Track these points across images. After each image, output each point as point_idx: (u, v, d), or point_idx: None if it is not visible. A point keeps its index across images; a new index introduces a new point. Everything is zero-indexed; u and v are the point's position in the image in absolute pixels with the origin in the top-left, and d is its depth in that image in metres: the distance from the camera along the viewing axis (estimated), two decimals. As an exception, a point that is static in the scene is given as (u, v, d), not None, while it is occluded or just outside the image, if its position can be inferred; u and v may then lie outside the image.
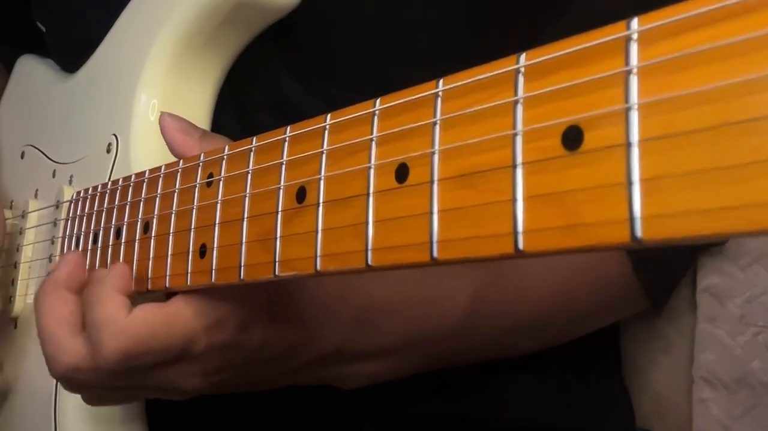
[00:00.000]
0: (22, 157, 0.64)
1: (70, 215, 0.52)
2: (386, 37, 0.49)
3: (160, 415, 0.52)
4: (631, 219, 0.20)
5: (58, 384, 0.52)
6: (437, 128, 0.26)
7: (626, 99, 0.20)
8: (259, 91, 0.52)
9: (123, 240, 0.44)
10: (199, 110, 0.50)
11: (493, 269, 0.46)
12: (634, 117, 0.20)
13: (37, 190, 0.61)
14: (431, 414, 0.53)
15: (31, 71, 0.68)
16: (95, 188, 0.49)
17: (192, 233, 0.38)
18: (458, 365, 0.50)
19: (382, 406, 0.52)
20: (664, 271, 0.53)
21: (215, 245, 0.36)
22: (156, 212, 0.41)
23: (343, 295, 0.41)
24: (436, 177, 0.25)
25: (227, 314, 0.38)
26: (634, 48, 0.20)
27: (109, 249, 0.46)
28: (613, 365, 0.61)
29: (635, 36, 0.20)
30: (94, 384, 0.41)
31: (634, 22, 0.20)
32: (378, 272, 0.41)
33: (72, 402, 0.51)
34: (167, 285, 0.39)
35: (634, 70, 0.20)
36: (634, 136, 0.20)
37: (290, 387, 0.52)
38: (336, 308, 0.41)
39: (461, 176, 0.25)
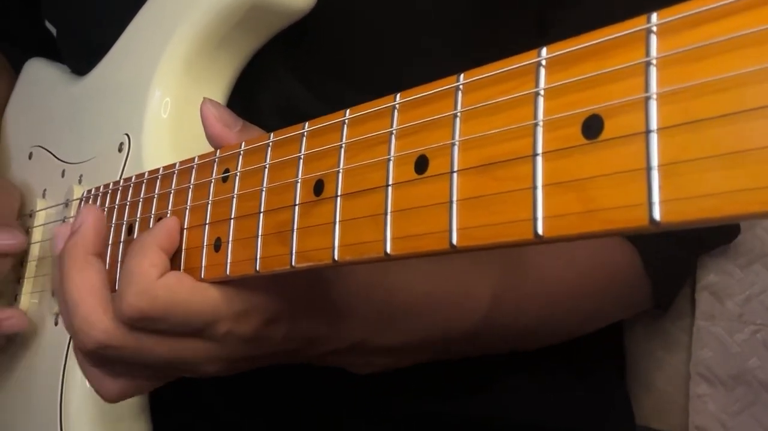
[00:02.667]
0: (30, 157, 0.65)
1: (81, 212, 0.53)
2: (397, 36, 0.50)
3: (163, 413, 0.52)
4: (650, 203, 0.21)
5: (64, 383, 0.52)
6: (458, 119, 0.27)
7: (646, 88, 0.21)
8: (269, 94, 0.52)
9: (135, 236, 0.45)
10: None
11: (511, 269, 0.47)
12: (653, 106, 0.21)
13: (45, 190, 0.61)
14: (432, 412, 0.53)
15: (40, 73, 0.69)
16: (107, 185, 0.50)
17: (207, 227, 0.39)
18: (471, 356, 0.50)
19: (382, 404, 0.53)
20: (672, 270, 0.54)
21: (230, 239, 0.37)
22: (170, 208, 0.42)
23: (371, 293, 0.42)
24: (456, 167, 0.26)
25: (256, 307, 0.38)
26: (653, 39, 0.21)
27: (120, 246, 0.46)
28: (615, 366, 0.61)
29: (655, 28, 0.21)
30: (118, 357, 0.40)
31: (654, 16, 0.21)
32: (403, 272, 0.43)
33: (77, 399, 0.51)
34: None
35: (654, 61, 0.21)
36: (654, 123, 0.21)
37: (293, 385, 0.53)
38: (362, 305, 0.42)
39: (481, 165, 0.25)
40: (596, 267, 0.50)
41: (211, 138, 0.41)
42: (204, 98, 0.42)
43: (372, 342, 0.43)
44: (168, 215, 0.42)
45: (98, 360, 0.41)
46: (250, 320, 0.39)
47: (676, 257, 0.55)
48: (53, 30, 0.65)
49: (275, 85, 0.52)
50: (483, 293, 0.46)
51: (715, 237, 0.57)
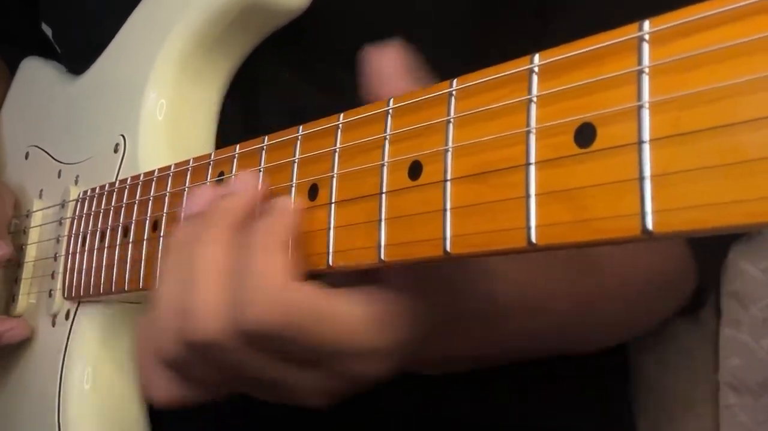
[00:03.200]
0: (26, 157, 0.65)
1: (77, 213, 0.53)
2: (396, 36, 0.50)
3: (162, 416, 0.52)
4: (642, 213, 0.21)
5: (62, 384, 0.52)
6: (451, 126, 0.26)
7: (638, 97, 0.21)
8: (265, 92, 0.52)
9: (131, 239, 0.45)
10: (206, 111, 0.51)
11: (585, 268, 0.43)
12: (646, 115, 0.21)
13: (41, 190, 0.61)
14: (431, 414, 0.53)
15: (36, 73, 0.69)
16: (102, 186, 0.50)
17: (202, 230, 0.39)
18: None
19: (379, 401, 0.53)
20: (710, 260, 0.53)
21: (225, 242, 0.37)
22: (165, 210, 0.42)
23: (481, 302, 0.36)
24: (449, 175, 0.26)
25: (392, 349, 0.32)
26: (646, 48, 0.21)
27: (117, 248, 0.46)
28: (618, 369, 0.61)
29: (647, 37, 0.21)
30: (214, 361, 0.33)
31: (646, 24, 0.21)
32: (503, 280, 0.37)
33: (75, 401, 0.51)
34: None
35: (646, 70, 0.21)
36: (646, 133, 0.21)
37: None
38: (472, 317, 0.37)
39: (474, 173, 0.25)
40: (658, 253, 0.48)
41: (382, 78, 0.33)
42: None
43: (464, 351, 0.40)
44: (164, 217, 0.42)
45: (187, 356, 0.33)
46: (383, 360, 0.32)
47: (711, 249, 0.54)
48: (49, 32, 0.65)
49: (275, 84, 0.52)
50: (563, 296, 0.42)
51: None
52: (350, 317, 0.30)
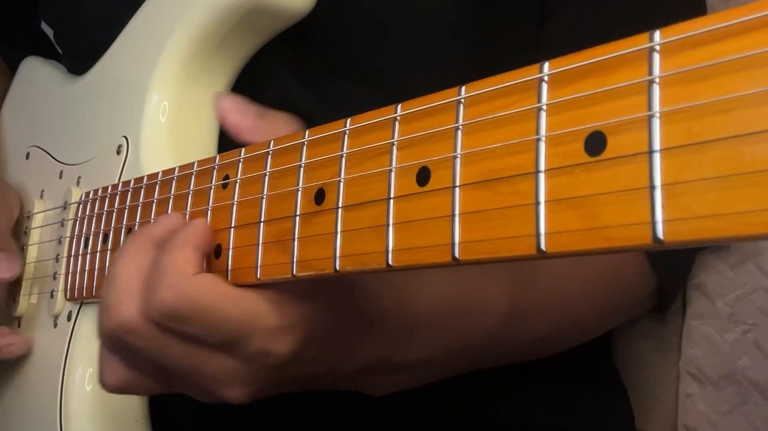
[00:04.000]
0: (27, 158, 0.65)
1: (79, 215, 0.53)
2: (399, 34, 0.50)
3: (164, 416, 0.52)
4: (653, 222, 0.21)
5: (64, 385, 0.52)
6: (459, 132, 0.27)
7: (649, 107, 0.21)
8: (268, 96, 0.52)
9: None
10: (208, 113, 0.51)
11: (524, 274, 0.46)
12: (656, 124, 0.21)
13: (42, 191, 0.61)
14: (429, 415, 0.53)
15: (36, 73, 0.68)
16: (105, 188, 0.50)
17: (207, 233, 0.39)
18: (491, 367, 0.50)
19: (378, 404, 0.53)
20: (673, 266, 0.55)
21: (231, 246, 0.37)
22: (170, 213, 0.42)
23: (395, 306, 0.40)
24: (458, 181, 0.26)
25: (293, 323, 0.35)
26: (656, 58, 0.21)
27: (120, 249, 0.46)
28: (610, 367, 0.62)
29: (658, 47, 0.21)
30: (136, 348, 0.37)
31: (657, 35, 0.21)
32: (420, 284, 0.41)
33: (77, 402, 0.52)
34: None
35: (657, 80, 0.21)
36: (656, 142, 0.21)
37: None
38: (390, 319, 0.40)
39: (483, 180, 0.26)
40: (606, 266, 0.50)
41: (228, 131, 0.40)
42: (215, 94, 0.41)
43: (394, 359, 0.41)
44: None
45: (116, 341, 0.38)
46: (288, 337, 0.35)
47: (677, 254, 0.55)
48: (50, 32, 0.65)
49: (278, 87, 0.52)
50: (500, 298, 0.45)
51: None
52: (253, 299, 0.35)
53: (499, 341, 0.46)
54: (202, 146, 0.50)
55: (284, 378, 0.37)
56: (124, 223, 0.46)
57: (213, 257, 0.38)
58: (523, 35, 0.51)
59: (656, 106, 0.21)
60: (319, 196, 0.32)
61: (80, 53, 0.61)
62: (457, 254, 0.26)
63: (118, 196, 0.48)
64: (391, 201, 0.29)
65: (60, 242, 0.55)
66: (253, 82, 0.52)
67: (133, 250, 0.38)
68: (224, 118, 0.40)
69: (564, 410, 0.56)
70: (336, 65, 0.51)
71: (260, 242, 0.35)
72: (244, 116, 0.40)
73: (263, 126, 0.39)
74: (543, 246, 0.23)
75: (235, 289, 0.35)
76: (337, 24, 0.50)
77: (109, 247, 0.47)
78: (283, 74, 0.52)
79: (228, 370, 0.36)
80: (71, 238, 0.53)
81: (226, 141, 0.52)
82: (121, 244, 0.46)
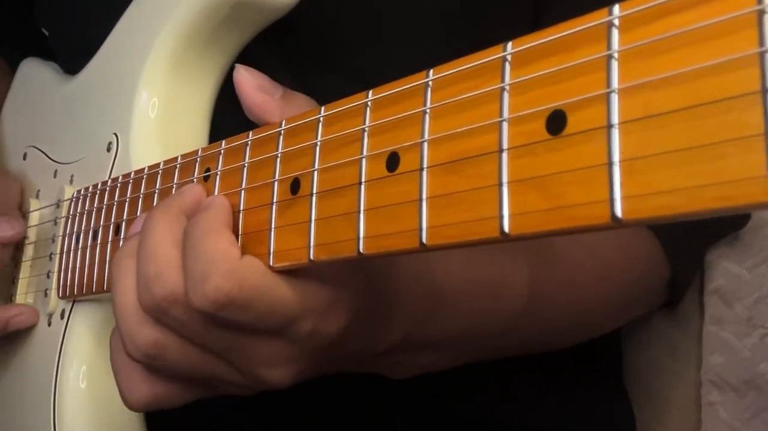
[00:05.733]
0: (24, 158, 0.65)
1: (71, 212, 0.53)
2: (389, 26, 0.49)
3: (157, 413, 0.52)
4: (611, 200, 0.20)
5: (57, 383, 0.52)
6: (427, 116, 0.26)
7: (608, 83, 0.21)
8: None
9: (122, 237, 0.45)
10: (199, 109, 0.50)
11: (544, 257, 0.45)
12: (615, 99, 0.20)
13: (38, 190, 0.61)
14: (431, 412, 0.53)
15: (34, 74, 0.69)
16: (95, 186, 0.50)
17: (189, 227, 0.38)
18: (503, 356, 0.49)
19: (382, 401, 0.52)
20: (686, 259, 0.54)
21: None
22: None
23: (417, 284, 0.38)
24: (425, 164, 0.26)
25: (340, 301, 0.34)
26: (615, 33, 0.21)
27: (108, 246, 0.46)
28: (614, 369, 0.61)
29: (616, 22, 0.21)
30: (180, 326, 0.34)
31: (616, 9, 0.21)
32: (443, 262, 0.40)
33: (71, 400, 0.51)
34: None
35: (615, 55, 0.21)
36: (615, 118, 0.20)
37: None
38: (410, 297, 0.38)
39: (449, 162, 0.25)
40: (621, 254, 0.49)
41: (251, 109, 0.37)
42: (236, 66, 0.38)
43: (417, 336, 0.39)
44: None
45: (161, 324, 0.35)
46: (337, 316, 0.34)
47: (690, 247, 0.54)
48: (46, 33, 0.65)
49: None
50: (521, 280, 0.44)
51: (724, 225, 0.56)
52: (304, 278, 0.33)
53: (520, 325, 0.45)
54: (193, 142, 0.50)
55: (329, 356, 0.36)
56: (113, 219, 0.46)
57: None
58: (518, 30, 0.50)
59: (615, 81, 0.20)
60: (295, 185, 0.32)
61: (74, 53, 0.61)
62: (425, 240, 0.26)
63: (107, 192, 0.48)
64: (362, 186, 0.28)
65: (53, 241, 0.55)
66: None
67: (166, 221, 0.35)
68: (246, 94, 0.37)
69: (568, 412, 0.55)
70: (327, 60, 0.51)
71: (239, 233, 0.35)
72: (269, 95, 0.37)
73: (291, 110, 0.37)
74: (506, 229, 0.23)
75: (277, 275, 0.33)
76: (328, 16, 0.50)
77: (98, 243, 0.47)
78: (273, 70, 0.51)
79: (274, 351, 0.34)
80: (63, 236, 0.53)
81: (217, 137, 0.52)
82: (109, 241, 0.46)
